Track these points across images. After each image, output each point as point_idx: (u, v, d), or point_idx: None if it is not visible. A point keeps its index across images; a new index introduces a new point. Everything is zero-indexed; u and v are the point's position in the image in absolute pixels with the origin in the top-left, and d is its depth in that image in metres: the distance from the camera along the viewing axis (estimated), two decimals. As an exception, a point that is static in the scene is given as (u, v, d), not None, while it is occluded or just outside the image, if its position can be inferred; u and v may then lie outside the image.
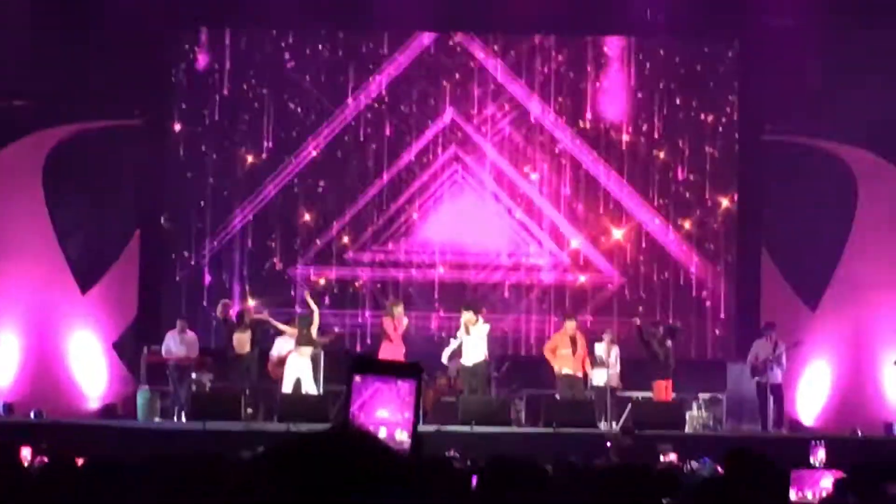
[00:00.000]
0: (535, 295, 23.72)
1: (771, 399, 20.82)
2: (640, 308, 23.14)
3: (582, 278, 23.76)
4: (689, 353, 22.98)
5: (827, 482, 7.48)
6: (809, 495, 7.38)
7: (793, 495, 7.17)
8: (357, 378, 3.46)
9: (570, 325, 20.83)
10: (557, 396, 20.51)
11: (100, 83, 21.81)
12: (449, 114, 23.89)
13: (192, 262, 23.44)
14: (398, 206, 23.81)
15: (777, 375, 20.89)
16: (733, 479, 6.20)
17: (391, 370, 3.50)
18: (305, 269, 23.64)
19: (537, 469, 7.48)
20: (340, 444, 2.70)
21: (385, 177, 23.77)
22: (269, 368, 21.28)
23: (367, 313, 23.43)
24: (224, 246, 23.59)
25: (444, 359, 20.72)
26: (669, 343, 20.76)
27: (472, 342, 20.35)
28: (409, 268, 23.71)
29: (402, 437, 3.48)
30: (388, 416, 3.50)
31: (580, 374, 20.61)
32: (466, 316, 20.48)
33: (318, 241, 23.73)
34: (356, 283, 23.72)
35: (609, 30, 24.00)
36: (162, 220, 22.36)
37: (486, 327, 20.54)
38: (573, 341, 20.62)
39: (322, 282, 22.95)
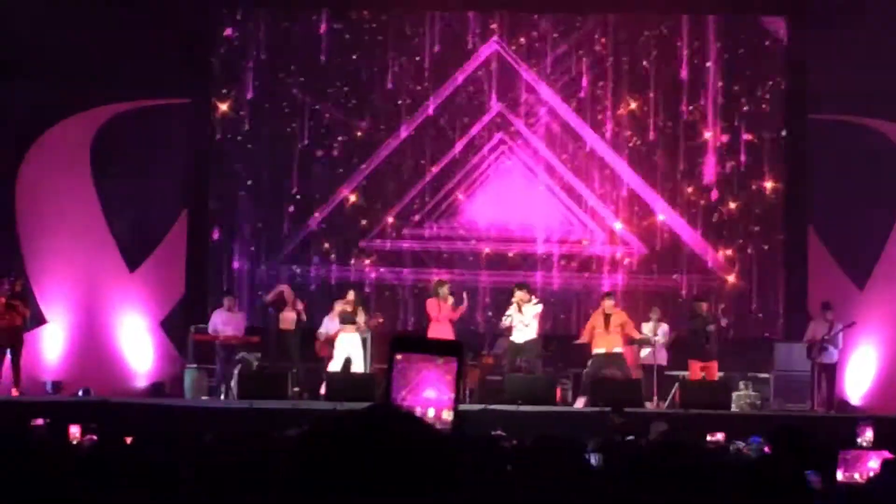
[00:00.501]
0: (580, 273, 23.69)
1: (824, 378, 20.77)
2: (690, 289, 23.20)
3: (622, 256, 23.74)
4: (737, 332, 22.93)
5: (874, 463, 7.43)
6: (857, 476, 7.32)
7: (840, 475, 7.13)
8: (398, 357, 3.45)
9: (608, 304, 20.79)
10: (585, 371, 20.48)
11: (147, 62, 21.85)
12: (496, 107, 23.89)
13: (238, 244, 23.53)
14: (447, 189, 23.81)
15: (832, 355, 20.81)
16: (780, 458, 6.18)
17: (432, 348, 3.48)
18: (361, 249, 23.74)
19: (579, 449, 7.50)
20: (384, 423, 2.70)
21: (435, 166, 23.82)
22: (316, 347, 21.35)
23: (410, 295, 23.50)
24: (272, 227, 23.66)
25: (505, 322, 20.74)
26: (712, 328, 20.73)
27: (525, 320, 20.36)
28: (457, 242, 23.71)
29: (449, 416, 3.48)
30: (433, 395, 3.49)
31: (617, 350, 20.54)
32: (519, 294, 20.48)
33: (365, 223, 23.80)
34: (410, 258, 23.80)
35: (652, 7, 23.89)
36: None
37: (539, 307, 20.54)
38: (607, 319, 20.60)
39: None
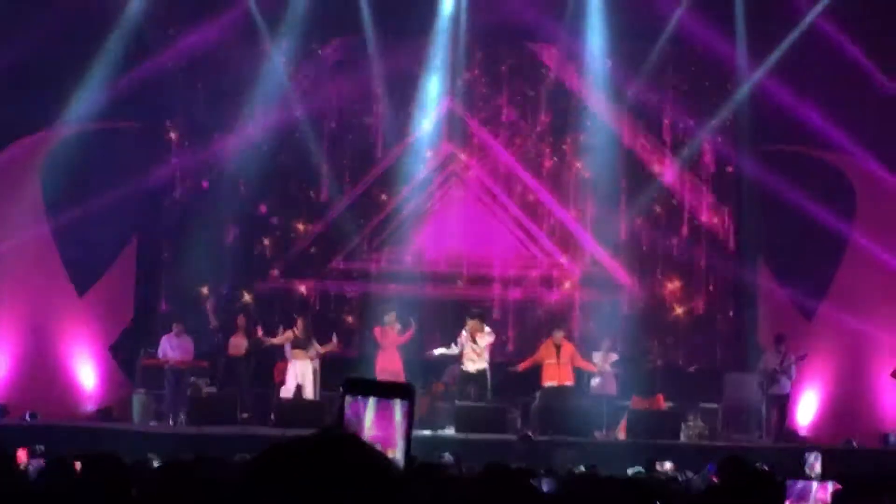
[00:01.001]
0: (535, 307, 23.74)
1: (775, 409, 20.90)
2: (636, 317, 23.30)
3: (578, 287, 23.82)
4: (685, 363, 23.04)
5: (824, 494, 7.47)
6: (806, 507, 7.36)
7: (788, 506, 7.17)
8: (348, 398, 3.47)
9: (557, 335, 20.89)
10: (534, 406, 20.56)
11: (96, 84, 21.77)
12: (445, 104, 23.94)
13: (188, 267, 23.44)
14: (389, 212, 23.85)
15: (785, 386, 20.94)
16: (728, 489, 6.21)
17: (384, 391, 3.49)
18: (298, 281, 23.71)
19: (529, 477, 7.51)
20: (333, 447, 2.72)
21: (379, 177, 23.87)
22: (275, 373, 21.28)
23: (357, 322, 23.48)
24: (218, 250, 23.57)
25: (435, 353, 20.74)
26: (658, 363, 21.02)
27: (477, 350, 20.37)
28: (400, 279, 23.67)
29: (396, 455, 3.49)
30: (381, 435, 3.51)
31: (568, 384, 20.64)
32: (472, 324, 20.52)
33: (311, 249, 23.82)
34: (347, 293, 23.79)
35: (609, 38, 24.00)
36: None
37: (491, 338, 20.58)
38: (557, 350, 20.68)
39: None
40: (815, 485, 7.53)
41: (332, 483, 2.58)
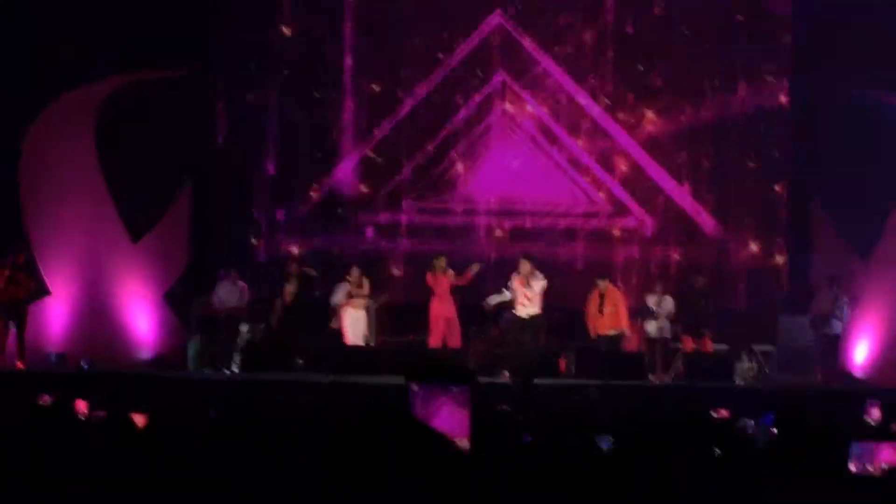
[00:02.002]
0: (589, 245, 23.67)
1: (828, 350, 20.82)
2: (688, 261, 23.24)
3: (624, 229, 23.75)
4: (740, 304, 22.94)
5: (890, 455, 7.37)
6: (870, 468, 7.25)
7: (852, 467, 7.08)
8: (414, 387, 3.48)
9: (602, 285, 20.83)
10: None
11: (150, 34, 21.76)
12: (500, 75, 23.81)
13: (245, 215, 23.54)
14: (448, 160, 23.76)
15: (836, 327, 20.85)
16: (789, 446, 6.16)
17: (445, 376, 3.50)
18: (365, 216, 23.73)
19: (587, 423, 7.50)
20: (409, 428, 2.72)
21: (437, 134, 23.76)
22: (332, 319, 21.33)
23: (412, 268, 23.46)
24: (277, 198, 23.66)
25: (491, 302, 20.66)
26: (705, 302, 20.90)
27: (530, 295, 20.28)
28: (457, 216, 23.67)
29: (463, 444, 3.50)
30: (448, 426, 3.51)
31: (612, 333, 20.61)
32: (526, 266, 20.37)
33: (364, 190, 23.81)
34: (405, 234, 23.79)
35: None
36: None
37: (544, 282, 20.42)
38: (601, 299, 20.63)
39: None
40: (881, 447, 7.43)
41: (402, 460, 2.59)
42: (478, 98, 23.79)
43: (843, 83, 22.24)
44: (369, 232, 23.66)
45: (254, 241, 23.41)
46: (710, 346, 20.74)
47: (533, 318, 20.31)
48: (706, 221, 23.63)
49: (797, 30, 23.41)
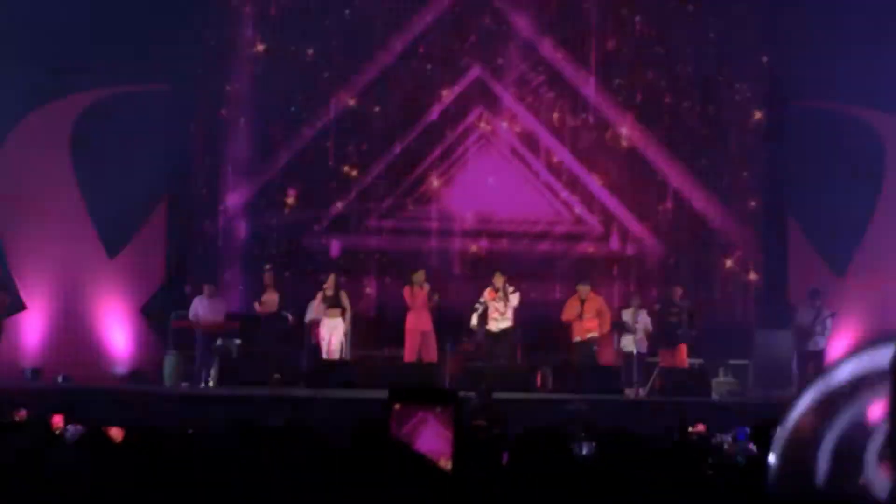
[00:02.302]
0: (565, 262, 23.66)
1: (811, 366, 20.86)
2: (664, 273, 23.26)
3: (607, 244, 23.76)
4: (715, 319, 22.98)
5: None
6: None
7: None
8: (396, 407, 3.48)
9: (583, 289, 20.86)
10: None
11: (127, 47, 21.71)
12: (475, 71, 23.78)
13: (219, 227, 23.49)
14: (421, 171, 23.73)
15: (819, 342, 20.90)
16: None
17: (428, 398, 3.51)
18: (328, 239, 23.65)
19: (564, 440, 7.50)
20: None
21: (407, 138, 23.71)
22: (312, 332, 21.25)
23: (387, 281, 23.40)
24: (251, 211, 23.62)
25: (474, 321, 20.65)
26: (684, 315, 20.89)
27: (500, 310, 20.30)
28: (431, 235, 23.65)
29: (446, 465, 3.50)
30: (431, 448, 3.52)
31: (590, 336, 20.61)
32: (499, 281, 20.43)
33: (339, 205, 23.72)
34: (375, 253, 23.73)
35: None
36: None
37: (517, 295, 20.48)
38: (582, 304, 20.66)
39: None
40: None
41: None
42: (453, 103, 23.76)
43: (815, 100, 22.38)
44: (334, 247, 23.56)
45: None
46: (685, 361, 20.72)
47: (505, 331, 20.34)
48: (681, 236, 23.66)
49: (772, 47, 23.46)
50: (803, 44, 22.32)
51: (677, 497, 5.11)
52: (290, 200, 23.70)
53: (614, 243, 23.69)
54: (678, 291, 21.32)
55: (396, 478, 2.71)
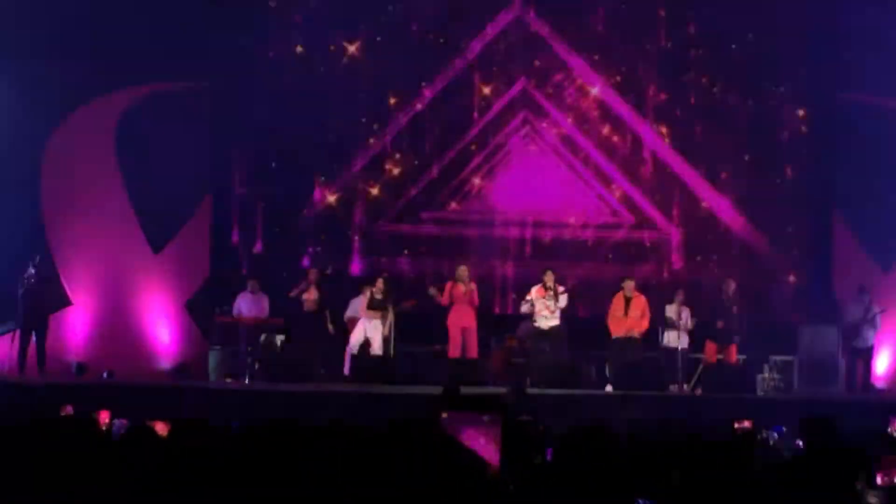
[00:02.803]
0: (604, 254, 23.63)
1: (860, 363, 20.75)
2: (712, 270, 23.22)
3: (646, 237, 23.72)
4: (760, 315, 22.87)
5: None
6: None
7: (879, 480, 7.03)
8: (444, 415, 3.48)
9: (627, 286, 20.80)
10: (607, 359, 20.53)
11: (171, 44, 21.78)
12: (521, 83, 23.79)
13: (264, 225, 23.56)
14: (470, 169, 23.75)
15: (869, 338, 20.78)
16: (817, 458, 6.11)
17: (476, 405, 3.52)
18: (382, 229, 23.71)
19: (611, 437, 7.47)
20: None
21: (460, 143, 23.75)
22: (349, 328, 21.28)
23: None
24: (297, 209, 23.67)
25: (524, 308, 20.70)
26: (735, 309, 20.75)
27: (550, 308, 20.29)
28: (478, 227, 23.68)
29: (495, 469, 3.50)
30: (478, 449, 3.51)
31: (635, 335, 20.54)
32: (549, 279, 20.40)
33: (393, 204, 23.77)
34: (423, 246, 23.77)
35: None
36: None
37: (566, 296, 20.44)
38: (627, 303, 20.59)
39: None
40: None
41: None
42: (497, 106, 23.78)
43: (860, 93, 22.27)
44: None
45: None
46: (735, 356, 20.61)
47: (552, 329, 20.32)
48: (733, 233, 23.58)
49: (812, 42, 23.33)
50: (846, 38, 22.22)
51: (725, 493, 5.08)
52: (332, 199, 23.72)
53: (661, 237, 23.65)
54: (731, 285, 21.14)
55: (443, 475, 2.71)
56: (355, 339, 20.52)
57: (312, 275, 21.70)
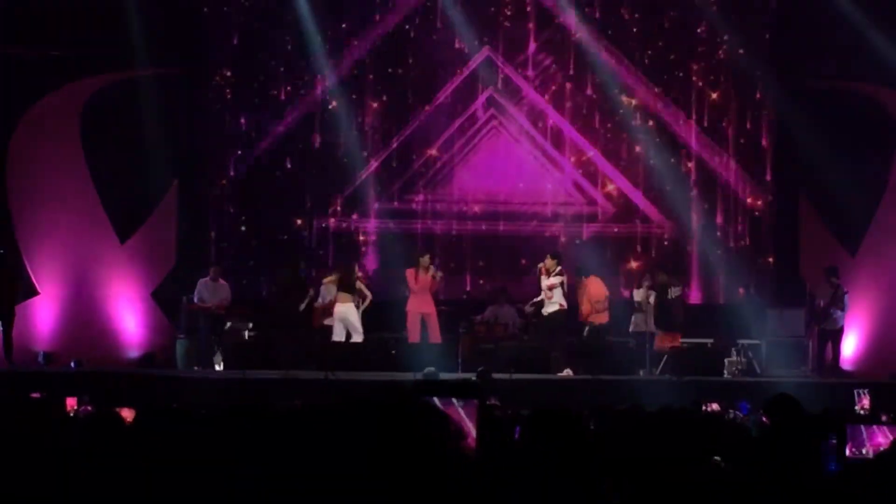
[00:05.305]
0: (574, 245, 23.63)
1: (829, 344, 20.82)
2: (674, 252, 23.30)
3: (617, 225, 23.74)
4: (728, 298, 22.94)
5: (883, 438, 7.38)
6: (864, 451, 7.26)
7: (847, 451, 7.08)
8: (424, 398, 3.47)
9: (583, 275, 20.85)
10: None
11: (137, 31, 21.71)
12: (484, 52, 23.75)
13: (231, 210, 23.49)
14: (429, 154, 23.73)
15: (839, 320, 20.83)
16: (781, 431, 6.13)
17: (451, 391, 3.51)
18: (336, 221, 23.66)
19: (578, 419, 7.47)
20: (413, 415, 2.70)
21: (416, 121, 23.70)
22: (315, 317, 21.22)
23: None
24: (261, 194, 23.60)
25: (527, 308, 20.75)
26: (674, 296, 20.88)
27: (547, 294, 20.24)
28: (441, 219, 23.66)
29: (470, 450, 3.51)
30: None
31: (603, 322, 20.59)
32: (548, 261, 20.36)
33: (346, 190, 23.71)
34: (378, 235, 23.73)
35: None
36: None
37: (548, 279, 20.35)
38: (585, 290, 20.64)
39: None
40: (873, 430, 7.42)
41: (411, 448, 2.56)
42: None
43: (826, 78, 22.35)
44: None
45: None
46: (679, 342, 20.66)
47: (551, 314, 20.27)
48: (692, 217, 23.61)
49: (776, 24, 23.39)
50: (814, 22, 22.30)
51: (693, 470, 5.09)
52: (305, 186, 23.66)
53: (619, 223, 23.68)
54: (661, 275, 21.17)
55: (422, 454, 2.69)
56: (336, 330, 20.41)
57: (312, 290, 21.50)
